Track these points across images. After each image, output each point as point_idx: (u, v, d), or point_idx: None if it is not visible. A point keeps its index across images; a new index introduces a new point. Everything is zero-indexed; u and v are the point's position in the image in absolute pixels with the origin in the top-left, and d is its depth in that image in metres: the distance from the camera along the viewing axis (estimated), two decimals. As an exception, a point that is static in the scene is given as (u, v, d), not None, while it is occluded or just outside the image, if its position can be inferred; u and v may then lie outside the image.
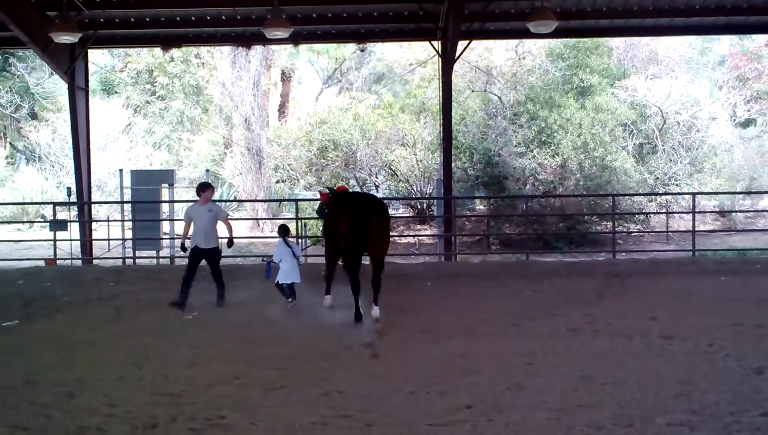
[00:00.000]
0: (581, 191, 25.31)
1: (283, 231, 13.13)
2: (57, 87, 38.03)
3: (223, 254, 13.44)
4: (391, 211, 30.65)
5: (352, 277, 11.53)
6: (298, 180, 32.32)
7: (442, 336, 10.36)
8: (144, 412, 7.16)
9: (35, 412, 7.21)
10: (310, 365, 8.91)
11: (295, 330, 10.79)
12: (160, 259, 20.19)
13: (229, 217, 13.87)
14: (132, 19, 19.41)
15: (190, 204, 13.91)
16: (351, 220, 11.45)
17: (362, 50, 24.76)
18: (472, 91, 28.94)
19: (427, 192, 28.68)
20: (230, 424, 6.89)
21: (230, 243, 13.29)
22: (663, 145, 28.24)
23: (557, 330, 10.71)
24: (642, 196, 25.97)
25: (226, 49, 32.54)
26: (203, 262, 12.83)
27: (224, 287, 12.90)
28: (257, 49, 30.32)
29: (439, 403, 7.39)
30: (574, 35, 23.73)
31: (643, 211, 25.99)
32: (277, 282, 12.64)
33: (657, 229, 26.37)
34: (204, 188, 13.21)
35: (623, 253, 20.39)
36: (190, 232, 12.98)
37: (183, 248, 13.19)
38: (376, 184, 30.34)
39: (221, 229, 13.23)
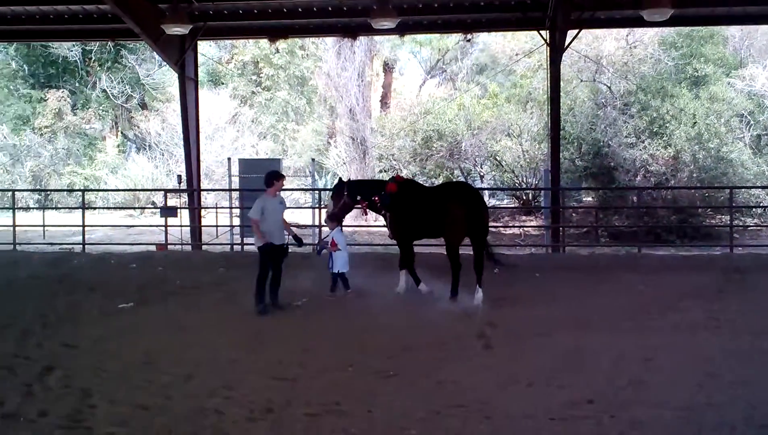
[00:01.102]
0: (695, 183, 24.40)
1: (338, 220, 12.93)
2: (166, 78, 39.05)
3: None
4: (496, 202, 30.56)
5: (458, 261, 12.28)
6: (400, 170, 32.18)
7: (555, 329, 10.07)
8: (260, 396, 7.17)
9: (155, 392, 7.32)
10: (422, 354, 8.80)
11: (404, 319, 10.67)
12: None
13: None
14: (240, 11, 19.60)
15: (262, 195, 11.87)
16: (469, 210, 12.07)
17: (468, 40, 24.47)
18: (581, 80, 28.30)
19: (533, 183, 28.21)
20: (345, 411, 6.84)
21: (300, 240, 12.41)
22: (782, 136, 27.07)
23: (677, 325, 10.30)
24: (760, 189, 24.87)
25: (330, 41, 32.66)
26: None
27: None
28: (361, 40, 30.25)
29: (559, 397, 7.17)
30: (689, 23, 22.87)
31: (761, 204, 24.87)
32: (338, 271, 12.58)
33: (776, 223, 25.20)
34: (278, 177, 11.94)
35: (740, 248, 19.52)
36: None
37: (265, 247, 11.55)
38: (481, 174, 29.98)
39: None
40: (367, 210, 13.27)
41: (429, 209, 12.28)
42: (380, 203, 12.71)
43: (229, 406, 6.87)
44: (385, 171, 32.75)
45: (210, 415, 6.67)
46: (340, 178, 13.52)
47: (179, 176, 22.00)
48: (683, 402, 6.97)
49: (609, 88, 27.45)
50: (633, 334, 9.74)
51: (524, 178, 28.77)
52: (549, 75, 19.17)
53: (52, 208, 31.38)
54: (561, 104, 20.69)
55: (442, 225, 12.19)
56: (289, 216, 12.90)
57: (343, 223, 13.25)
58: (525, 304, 11.88)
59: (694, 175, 24.71)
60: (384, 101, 41.51)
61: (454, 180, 27.60)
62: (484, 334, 9.77)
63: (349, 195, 12.71)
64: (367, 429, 6.38)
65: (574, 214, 25.53)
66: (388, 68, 42.55)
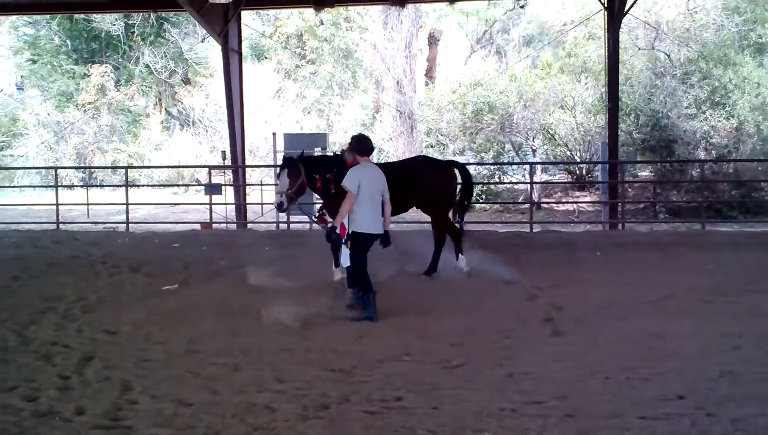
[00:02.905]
0: (758, 156, 23.39)
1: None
2: (210, 52, 38.66)
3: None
4: (548, 177, 29.72)
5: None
6: (447, 145, 31.43)
7: (628, 312, 9.34)
8: (314, 390, 6.54)
9: (200, 386, 6.71)
10: (487, 341, 8.12)
11: (463, 301, 9.99)
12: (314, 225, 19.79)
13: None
14: (285, -22, 19.01)
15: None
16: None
17: (522, 6, 23.48)
18: (638, 48, 27.33)
19: (587, 157, 27.29)
20: (409, 407, 6.15)
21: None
22: None
23: (758, 308, 9.45)
24: (829, 162, 23.77)
25: (376, 12, 31.96)
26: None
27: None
28: (409, 9, 29.55)
29: (645, 392, 6.43)
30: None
31: (830, 177, 23.77)
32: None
33: None
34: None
35: (806, 224, 18.58)
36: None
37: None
38: (533, 148, 29.10)
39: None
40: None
41: (409, 183, 11.65)
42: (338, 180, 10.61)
43: (281, 402, 6.22)
44: (432, 146, 32.02)
45: (261, 412, 6.02)
46: (291, 156, 11.62)
47: (223, 152, 21.59)
48: (787, 398, 6.20)
49: (668, 56, 26.42)
50: (713, 318, 8.96)
51: (578, 152, 27.85)
52: (606, 42, 18.40)
53: (96, 186, 31.23)
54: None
55: (435, 197, 11.99)
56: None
57: None
58: (590, 285, 11.13)
59: (758, 147, 23.79)
60: (429, 75, 40.77)
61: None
62: (552, 319, 9.06)
63: (306, 173, 11.14)
64: (435, 428, 5.69)
65: (630, 189, 24.69)
66: (433, 40, 41.78)
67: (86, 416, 5.95)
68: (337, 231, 9.37)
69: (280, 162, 20.83)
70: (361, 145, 9.60)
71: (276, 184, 11.63)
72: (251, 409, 6.11)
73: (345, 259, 9.87)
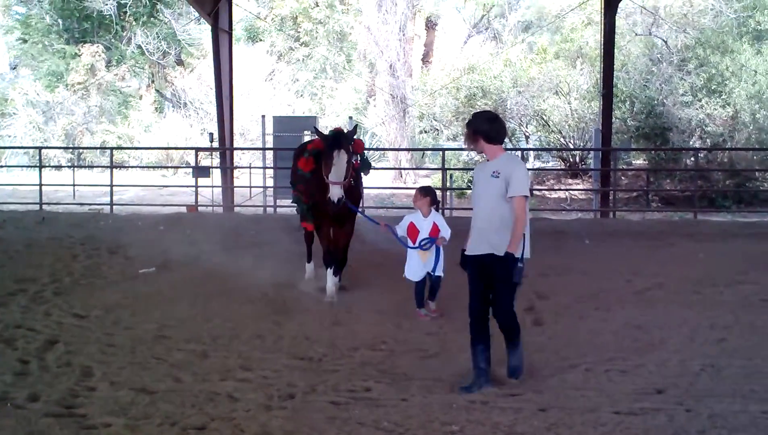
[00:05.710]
0: (753, 145, 23.10)
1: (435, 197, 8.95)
2: (203, 33, 38.31)
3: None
4: (540, 164, 29.44)
5: None
6: (441, 131, 31.18)
7: (613, 302, 9.15)
8: (281, 379, 6.32)
9: (164, 373, 6.49)
10: (466, 331, 7.82)
11: (445, 290, 9.71)
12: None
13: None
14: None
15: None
16: None
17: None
18: (635, 34, 27.07)
19: (581, 144, 27.03)
20: (377, 399, 5.93)
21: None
22: None
23: (749, 300, 9.26)
24: (825, 152, 23.51)
25: (371, -5, 31.60)
26: None
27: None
28: (404, -7, 29.29)
29: (623, 385, 6.20)
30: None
31: (825, 168, 23.51)
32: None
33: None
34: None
35: (800, 214, 18.38)
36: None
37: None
38: (527, 134, 28.82)
39: None
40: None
41: None
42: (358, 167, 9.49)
43: (245, 391, 5.99)
44: (425, 131, 31.73)
45: (222, 401, 5.79)
46: (342, 131, 9.10)
47: (211, 135, 21.27)
48: (770, 393, 5.97)
49: (665, 42, 26.13)
50: (701, 309, 8.74)
51: (571, 139, 27.57)
52: (603, 27, 18.12)
53: (84, 167, 30.96)
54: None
55: None
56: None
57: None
58: (577, 274, 10.94)
59: (753, 136, 23.51)
60: (426, 59, 40.45)
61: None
62: (533, 308, 8.82)
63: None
64: (401, 421, 5.45)
65: (623, 178, 24.47)
66: (430, 25, 41.43)
67: (40, 403, 5.71)
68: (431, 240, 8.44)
69: (269, 145, 20.74)
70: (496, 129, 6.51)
71: (322, 169, 8.89)
72: (213, 398, 5.88)
73: (409, 272, 8.70)
